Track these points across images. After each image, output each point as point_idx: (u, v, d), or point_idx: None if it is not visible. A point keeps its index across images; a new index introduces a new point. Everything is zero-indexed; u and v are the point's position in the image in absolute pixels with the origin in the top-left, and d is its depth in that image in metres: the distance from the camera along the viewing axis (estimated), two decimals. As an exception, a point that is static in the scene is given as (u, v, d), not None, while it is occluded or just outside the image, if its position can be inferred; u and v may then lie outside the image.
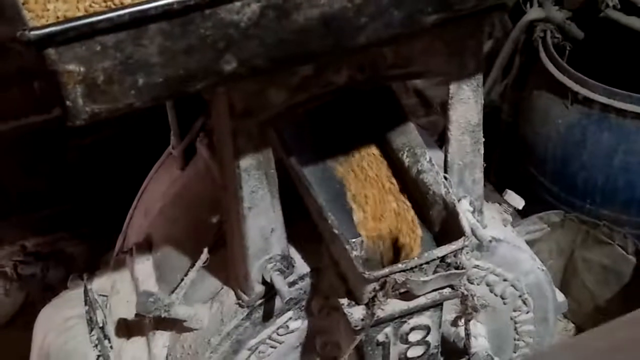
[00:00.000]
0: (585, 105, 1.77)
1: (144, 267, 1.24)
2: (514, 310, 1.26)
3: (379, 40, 0.74)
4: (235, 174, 0.95)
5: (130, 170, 1.52)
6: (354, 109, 1.13)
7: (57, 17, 0.66)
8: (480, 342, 1.20)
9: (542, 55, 1.86)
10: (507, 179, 1.93)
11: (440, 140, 1.27)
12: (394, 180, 1.09)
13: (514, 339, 1.31)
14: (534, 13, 1.94)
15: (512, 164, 2.00)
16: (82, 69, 0.62)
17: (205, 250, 1.12)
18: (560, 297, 1.33)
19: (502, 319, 1.26)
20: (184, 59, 0.66)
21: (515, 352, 1.33)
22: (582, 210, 1.82)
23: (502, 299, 1.22)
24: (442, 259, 0.97)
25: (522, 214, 1.51)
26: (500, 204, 1.26)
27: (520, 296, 1.24)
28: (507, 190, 1.27)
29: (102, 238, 1.66)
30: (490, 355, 1.18)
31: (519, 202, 1.25)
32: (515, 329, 1.29)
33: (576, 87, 1.76)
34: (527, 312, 1.27)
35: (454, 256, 0.97)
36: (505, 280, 1.20)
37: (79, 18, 0.63)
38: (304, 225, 1.07)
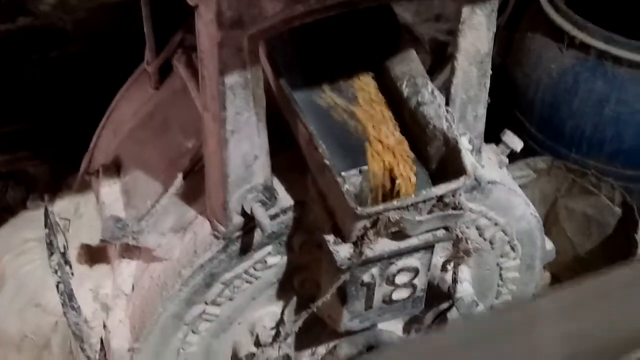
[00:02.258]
0: (580, 51, 1.70)
1: (110, 190, 1.15)
2: (501, 256, 1.20)
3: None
4: (219, 93, 0.86)
5: (98, 88, 1.42)
6: (352, 32, 1.03)
7: None
8: (465, 287, 1.14)
9: (540, -5, 1.77)
10: (491, 122, 1.86)
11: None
12: (390, 111, 1.00)
13: (498, 285, 1.26)
14: (534, -51, 1.84)
15: (498, 107, 1.94)
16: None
17: (180, 176, 1.03)
18: (549, 245, 1.28)
19: (488, 264, 1.21)
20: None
21: (497, 299, 1.28)
22: (567, 159, 1.77)
23: (491, 243, 1.17)
24: (440, 198, 0.89)
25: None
26: (496, 145, 1.19)
27: (509, 242, 1.18)
28: (505, 130, 1.20)
29: (65, 160, 1.56)
30: (475, 301, 1.13)
31: (517, 144, 1.18)
32: (500, 275, 1.24)
33: (573, 31, 1.68)
34: (514, 259, 1.22)
35: (452, 196, 0.90)
36: (496, 224, 1.14)
37: None
38: (289, 155, 0.99)
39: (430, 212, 0.90)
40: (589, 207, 1.70)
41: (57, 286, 1.06)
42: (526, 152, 1.73)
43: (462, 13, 0.93)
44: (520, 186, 1.31)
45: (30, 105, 1.84)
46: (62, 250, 1.10)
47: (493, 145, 1.18)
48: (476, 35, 0.94)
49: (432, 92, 0.99)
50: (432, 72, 2.01)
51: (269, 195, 0.96)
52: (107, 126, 1.28)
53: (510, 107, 1.89)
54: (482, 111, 1.03)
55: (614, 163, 1.75)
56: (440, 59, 2.11)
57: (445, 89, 1.02)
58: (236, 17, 0.81)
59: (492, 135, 1.19)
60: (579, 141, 1.78)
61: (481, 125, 1.05)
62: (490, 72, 1.01)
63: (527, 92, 1.84)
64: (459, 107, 1.00)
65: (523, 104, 1.86)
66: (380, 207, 0.87)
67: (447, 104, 1.00)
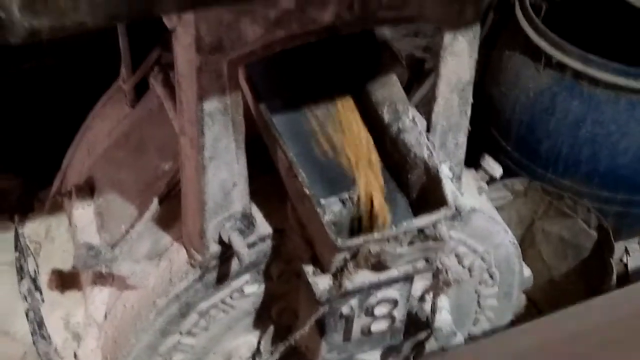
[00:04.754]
0: (557, 70, 1.70)
1: (83, 213, 1.12)
2: (480, 283, 1.19)
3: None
4: (197, 118, 0.84)
5: (73, 102, 1.39)
6: (332, 55, 1.02)
7: None
8: (443, 316, 1.13)
9: (518, 13, 1.78)
10: (468, 140, 1.86)
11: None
12: (370, 137, 0.99)
13: (475, 312, 1.25)
14: (514, -32, 1.85)
15: (475, 125, 1.94)
16: (21, -30, 0.49)
17: (155, 200, 1.00)
18: (527, 272, 1.28)
19: (466, 292, 1.20)
20: (152, -30, 0.53)
21: (474, 326, 1.27)
22: (543, 179, 1.77)
23: (470, 271, 1.16)
24: (421, 230, 0.88)
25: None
26: (475, 170, 1.18)
27: (488, 270, 1.17)
28: (484, 155, 1.19)
29: (37, 174, 1.52)
30: (454, 330, 1.11)
31: (496, 170, 1.17)
32: (478, 302, 1.23)
33: (551, 51, 1.69)
34: (493, 286, 1.21)
35: (433, 227, 0.89)
36: (475, 252, 1.13)
37: None
38: (268, 180, 0.96)
39: (410, 243, 0.88)
40: (565, 230, 1.70)
41: (27, 313, 1.02)
42: (504, 172, 1.73)
43: (443, 39, 0.91)
44: (497, 208, 1.31)
45: (2, 117, 1.80)
46: (32, 275, 1.06)
47: (472, 171, 1.17)
48: (458, 63, 0.93)
49: (413, 119, 0.97)
50: (410, 88, 2.00)
51: (247, 223, 0.94)
52: (80, 145, 1.25)
53: (487, 125, 1.89)
54: (462, 139, 1.02)
55: (589, 184, 1.76)
56: (417, 75, 2.10)
57: (426, 116, 1.01)
58: (216, 42, 0.79)
59: (468, 153, 1.19)
60: (555, 161, 1.79)
61: (462, 153, 1.04)
62: (472, 100, 1.00)
63: (504, 110, 1.84)
64: (439, 134, 0.99)
65: (500, 123, 1.86)
66: (361, 239, 0.85)
67: (427, 130, 0.99)
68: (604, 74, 1.64)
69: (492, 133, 1.88)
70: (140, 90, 1.20)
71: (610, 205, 1.77)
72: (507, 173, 1.74)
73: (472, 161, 1.18)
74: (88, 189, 1.16)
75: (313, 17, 0.81)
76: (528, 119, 1.79)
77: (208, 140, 0.86)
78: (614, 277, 1.56)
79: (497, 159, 1.72)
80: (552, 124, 1.75)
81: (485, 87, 1.90)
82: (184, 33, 0.78)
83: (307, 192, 0.87)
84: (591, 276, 1.63)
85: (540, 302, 1.75)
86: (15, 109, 1.79)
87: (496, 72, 1.86)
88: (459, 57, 0.93)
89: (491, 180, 1.20)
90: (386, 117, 0.99)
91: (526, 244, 1.75)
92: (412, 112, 0.99)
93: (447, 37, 0.90)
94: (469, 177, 1.16)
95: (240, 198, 0.92)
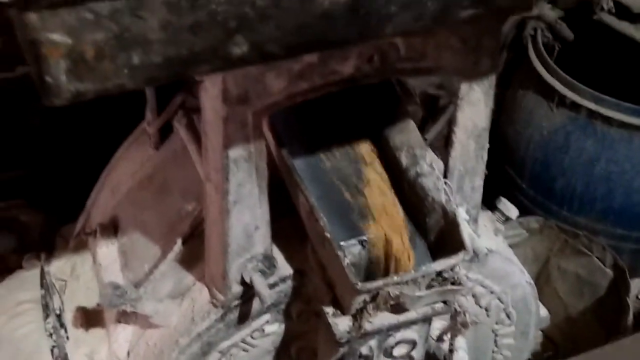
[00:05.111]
0: (571, 110, 1.72)
1: (108, 252, 1.15)
2: (497, 323, 1.21)
3: (405, 32, 0.65)
4: (222, 165, 0.87)
5: (98, 141, 1.42)
6: (352, 101, 1.05)
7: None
8: (460, 356, 1.14)
9: (531, 54, 1.81)
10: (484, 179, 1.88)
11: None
12: (389, 181, 1.02)
13: (493, 351, 1.26)
14: (527, 10, 1.88)
15: (490, 163, 1.96)
16: (68, 40, 0.52)
17: (179, 241, 1.03)
18: (544, 312, 1.29)
19: (483, 331, 1.21)
20: (189, 37, 0.56)
21: (491, 365, 1.28)
22: (558, 216, 1.78)
23: (487, 311, 1.17)
24: (439, 273, 0.90)
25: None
26: (492, 212, 1.20)
27: (504, 309, 1.19)
28: (500, 197, 1.21)
29: (59, 210, 1.55)
30: (470, 370, 1.12)
31: (513, 212, 1.19)
32: (495, 341, 1.24)
33: (563, 90, 1.71)
34: (510, 326, 1.22)
35: (451, 270, 0.91)
36: (492, 292, 1.15)
37: (68, -21, 0.54)
38: (289, 222, 0.99)
39: (429, 286, 0.90)
40: (580, 268, 1.70)
41: (52, 350, 1.05)
42: (518, 208, 1.75)
43: (460, 89, 0.94)
44: (513, 245, 1.32)
45: (27, 153, 1.84)
46: (57, 312, 1.09)
47: (489, 212, 1.19)
48: (474, 111, 0.96)
49: (431, 164, 1.00)
50: (424, 125, 2.03)
51: (269, 265, 0.96)
52: (105, 185, 1.28)
53: (502, 163, 1.91)
54: (479, 182, 1.05)
55: (604, 221, 1.77)
56: (431, 112, 2.13)
57: (442, 157, 1.04)
58: (242, 93, 0.83)
59: (484, 191, 1.20)
60: (570, 199, 1.80)
61: (478, 196, 1.06)
62: (488, 145, 1.02)
63: (518, 148, 1.86)
64: (456, 179, 1.01)
65: (515, 161, 1.87)
66: (380, 282, 0.87)
67: (444, 175, 1.01)
68: (617, 114, 1.67)
69: (507, 171, 1.90)
70: (165, 133, 1.23)
71: (626, 242, 1.77)
72: (522, 210, 1.75)
73: (488, 199, 1.20)
74: (112, 228, 1.19)
75: (334, 69, 0.85)
76: (542, 157, 1.81)
77: (232, 185, 0.89)
78: (631, 314, 1.57)
79: (512, 196, 1.74)
80: (566, 162, 1.76)
81: (500, 126, 1.92)
82: (212, 85, 0.82)
83: (328, 235, 0.90)
84: (607, 314, 1.63)
85: (557, 339, 1.75)
86: (40, 146, 1.83)
87: (510, 111, 1.89)
88: (475, 106, 0.96)
89: (507, 220, 1.22)
90: (404, 161, 1.02)
91: (542, 281, 1.76)
92: (430, 156, 1.02)
93: (464, 87, 0.94)
94: (486, 219, 1.18)
95: (262, 240, 0.94)
